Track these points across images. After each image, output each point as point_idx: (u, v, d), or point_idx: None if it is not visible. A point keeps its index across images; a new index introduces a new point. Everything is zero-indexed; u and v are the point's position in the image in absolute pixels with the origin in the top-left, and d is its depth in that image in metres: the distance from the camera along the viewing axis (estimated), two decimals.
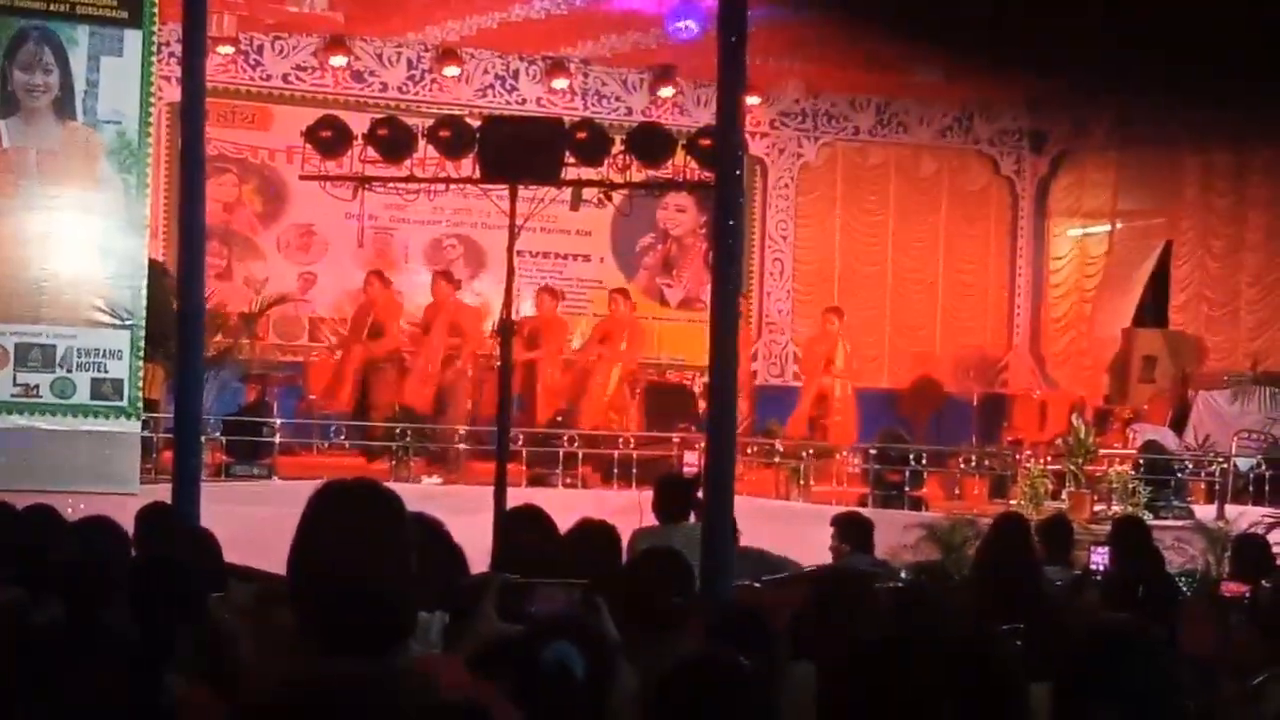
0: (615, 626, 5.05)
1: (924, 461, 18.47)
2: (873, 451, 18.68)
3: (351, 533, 3.62)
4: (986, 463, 19.30)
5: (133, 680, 4.23)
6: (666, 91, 22.22)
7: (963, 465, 19.14)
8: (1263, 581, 9.42)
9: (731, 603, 8.14)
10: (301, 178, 15.38)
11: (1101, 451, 18.84)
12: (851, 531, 11.04)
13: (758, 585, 10.03)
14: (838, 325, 20.99)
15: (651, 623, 5.66)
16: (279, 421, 17.86)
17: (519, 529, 7.91)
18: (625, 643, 4.96)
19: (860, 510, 13.08)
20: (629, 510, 12.74)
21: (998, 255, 24.62)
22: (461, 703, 3.41)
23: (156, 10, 15.62)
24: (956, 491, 18.79)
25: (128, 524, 7.71)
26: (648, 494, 14.54)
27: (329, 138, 14.23)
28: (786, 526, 14.52)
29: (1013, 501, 17.41)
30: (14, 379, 15.16)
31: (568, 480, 17.83)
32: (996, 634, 5.70)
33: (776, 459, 19.17)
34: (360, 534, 3.60)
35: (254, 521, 10.02)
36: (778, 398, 21.40)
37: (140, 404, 15.54)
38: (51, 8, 15.31)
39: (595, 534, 7.48)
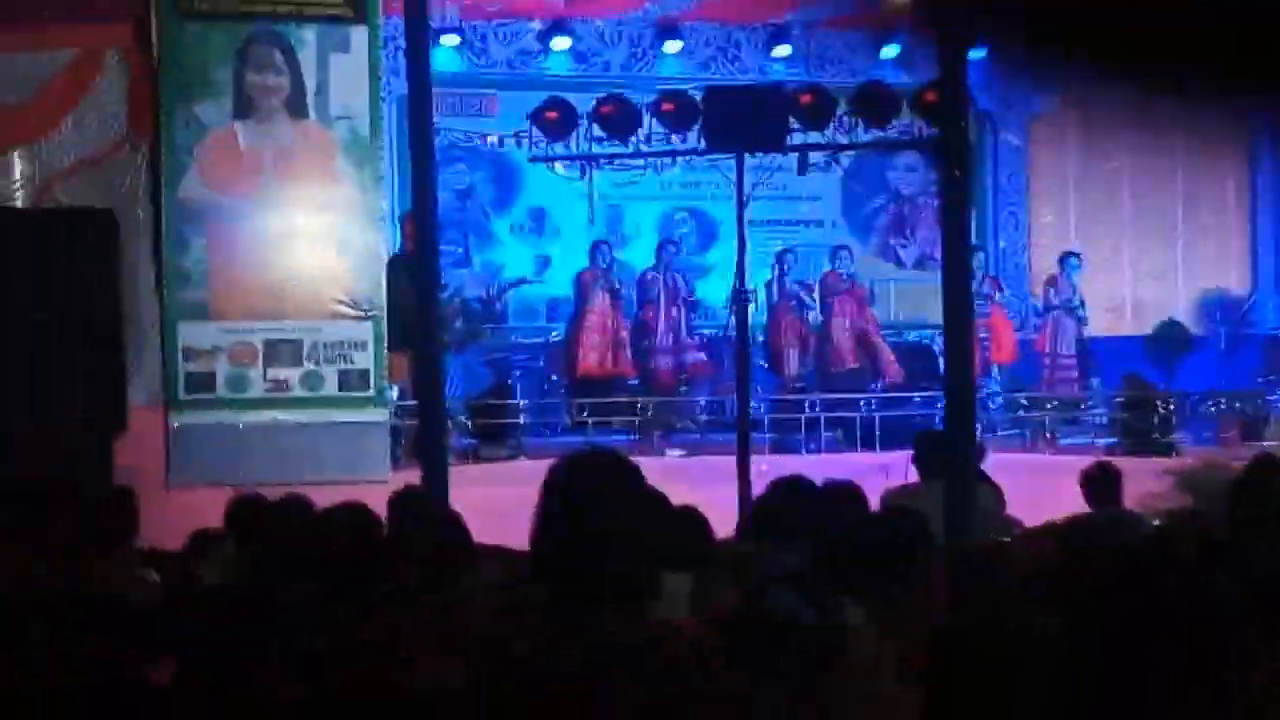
0: (857, 583, 5.06)
1: (1172, 408, 18.16)
2: (1119, 400, 18.42)
3: (590, 498, 3.67)
4: (1238, 405, 18.91)
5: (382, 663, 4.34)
6: (890, 50, 21.97)
7: (1212, 409, 18.79)
8: None
9: (974, 558, 8.09)
10: (531, 159, 15.58)
11: None
12: (1096, 483, 10.88)
13: (1006, 540, 9.97)
14: (1078, 271, 20.69)
15: (891, 579, 5.67)
16: (522, 402, 18.11)
17: (774, 498, 7.96)
18: (864, 600, 4.97)
19: (1109, 460, 12.87)
20: (875, 471, 12.75)
21: (1239, 195, 24.08)
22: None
23: (381, 5, 15.90)
24: (1208, 436, 18.47)
25: (382, 510, 7.88)
26: (892, 456, 14.58)
27: (555, 119, 14.43)
28: (1034, 480, 14.40)
29: (1268, 443, 17.08)
30: (265, 375, 15.57)
31: (811, 446, 17.82)
32: (1217, 583, 5.61)
33: (1020, 413, 19.02)
34: (599, 499, 3.66)
35: (503, 501, 10.16)
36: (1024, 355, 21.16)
37: (386, 393, 15.87)
38: (279, 10, 15.65)
39: (842, 495, 7.51)
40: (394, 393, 16.31)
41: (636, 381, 19.37)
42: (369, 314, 15.75)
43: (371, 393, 15.75)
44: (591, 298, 19.33)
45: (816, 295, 19.96)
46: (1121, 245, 23.47)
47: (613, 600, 3.59)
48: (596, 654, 3.11)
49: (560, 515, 3.66)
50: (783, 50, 21.84)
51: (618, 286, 19.40)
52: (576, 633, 3.50)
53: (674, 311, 19.50)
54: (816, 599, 4.43)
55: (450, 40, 20.27)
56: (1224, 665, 4.05)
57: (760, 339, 19.39)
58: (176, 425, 15.44)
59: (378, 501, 8.11)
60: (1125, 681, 4.59)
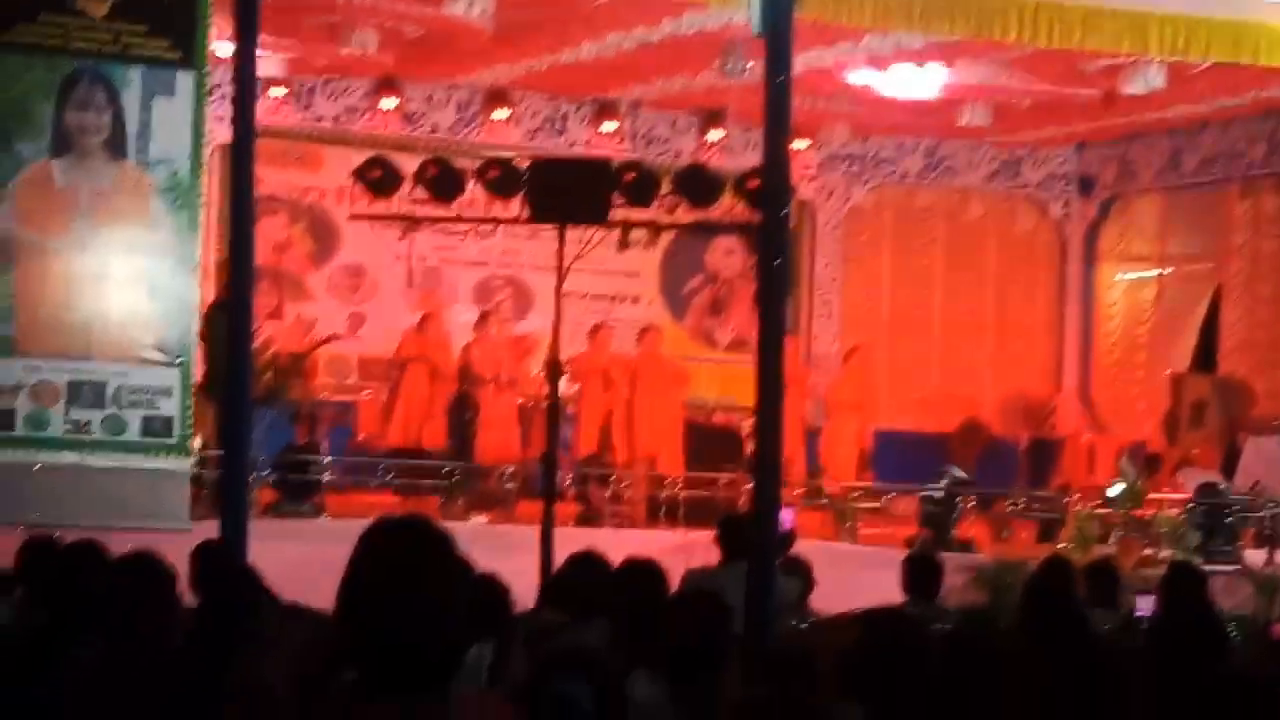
0: (658, 665, 5.07)
1: (972, 504, 18.36)
2: (923, 494, 18.57)
3: (400, 571, 3.60)
4: (1035, 506, 19.20)
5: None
6: (715, 134, 22.16)
7: (1010, 508, 19.05)
8: None
9: (776, 644, 8.14)
10: (351, 217, 15.47)
11: (1151, 495, 18.72)
12: (917, 573, 10.97)
13: (804, 626, 10.04)
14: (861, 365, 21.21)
15: (693, 663, 5.68)
16: (327, 459, 17.94)
17: (571, 571, 7.98)
18: (667, 682, 4.97)
19: (932, 553, 12.90)
20: (677, 551, 12.77)
21: (1046, 299, 24.53)
22: None
23: (209, 53, 15.74)
24: (1004, 535, 18.70)
25: (180, 560, 7.75)
26: (695, 535, 14.62)
27: (378, 178, 14.36)
28: (834, 569, 14.51)
29: (1060, 545, 17.33)
30: (66, 415, 15.27)
31: (615, 520, 17.82)
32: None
33: (824, 501, 19.13)
34: (409, 572, 3.59)
35: (302, 559, 10.05)
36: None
37: (189, 442, 15.62)
38: (105, 49, 15.42)
39: (642, 573, 7.50)
40: (198, 441, 16.06)
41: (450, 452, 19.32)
42: (177, 361, 15.52)
43: (175, 440, 15.50)
44: (412, 368, 19.28)
45: (625, 372, 20.06)
46: (931, 341, 23.82)
47: (418, 679, 3.53)
48: None
49: (369, 584, 3.58)
50: (609, 125, 21.98)
51: (437, 360, 19.37)
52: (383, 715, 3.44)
53: (496, 383, 19.48)
54: (598, 679, 4.41)
55: (278, 91, 20.16)
56: None
57: (570, 411, 19.43)
58: None
59: (176, 551, 7.99)
60: None
